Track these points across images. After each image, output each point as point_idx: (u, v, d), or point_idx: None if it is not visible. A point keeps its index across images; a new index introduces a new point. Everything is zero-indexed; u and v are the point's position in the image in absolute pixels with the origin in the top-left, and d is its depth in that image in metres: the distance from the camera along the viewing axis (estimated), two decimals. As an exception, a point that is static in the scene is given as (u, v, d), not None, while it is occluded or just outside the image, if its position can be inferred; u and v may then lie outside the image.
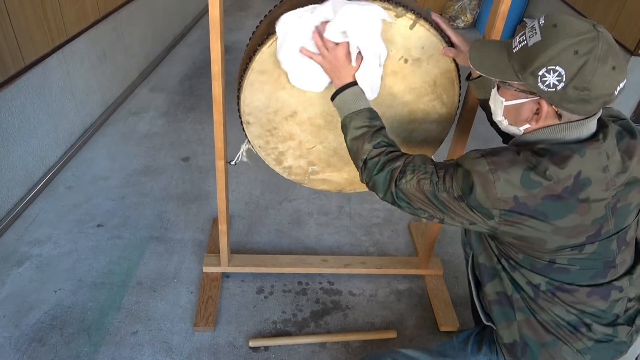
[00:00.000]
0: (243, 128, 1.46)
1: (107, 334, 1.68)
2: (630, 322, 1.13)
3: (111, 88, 2.90)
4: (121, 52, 2.98)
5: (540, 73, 0.94)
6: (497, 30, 1.34)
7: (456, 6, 4.86)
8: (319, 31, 1.20)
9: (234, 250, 2.05)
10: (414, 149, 1.51)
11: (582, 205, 0.98)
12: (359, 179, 1.53)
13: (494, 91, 1.11)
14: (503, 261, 1.14)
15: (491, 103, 1.13)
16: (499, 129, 1.20)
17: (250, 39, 1.47)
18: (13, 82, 1.99)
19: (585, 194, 0.97)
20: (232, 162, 1.60)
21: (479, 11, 4.90)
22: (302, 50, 1.24)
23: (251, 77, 1.33)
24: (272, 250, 2.10)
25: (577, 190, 0.96)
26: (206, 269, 1.91)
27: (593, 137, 1.01)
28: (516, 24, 4.65)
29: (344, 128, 1.23)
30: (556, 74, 0.92)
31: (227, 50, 1.77)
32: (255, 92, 1.36)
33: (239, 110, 1.42)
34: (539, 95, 0.98)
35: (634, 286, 1.13)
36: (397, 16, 1.23)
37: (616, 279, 1.09)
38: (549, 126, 1.01)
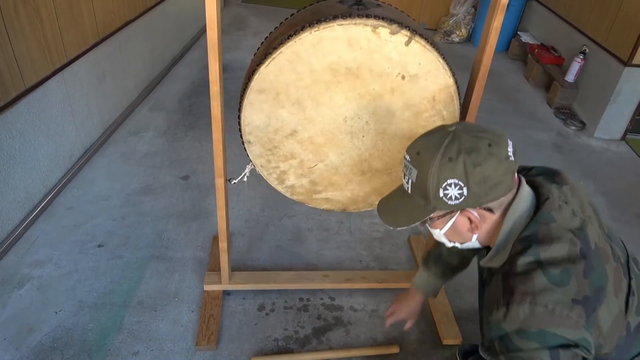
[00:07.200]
0: (245, 147, 1.48)
1: (108, 355, 1.67)
2: None
3: (111, 108, 2.93)
4: (121, 72, 3.01)
5: (441, 195, 0.97)
6: (491, 45, 1.36)
7: (451, 21, 4.93)
8: None
9: (235, 267, 2.05)
10: None
11: (599, 253, 0.99)
12: (361, 197, 1.53)
13: (429, 230, 1.12)
14: None
15: (436, 239, 1.15)
16: None
17: (251, 61, 1.50)
18: (14, 105, 2.01)
19: (592, 243, 0.98)
20: (233, 182, 1.61)
21: (474, 26, 4.96)
22: None
23: (250, 96, 1.35)
24: (273, 267, 2.10)
25: (587, 247, 0.97)
26: (207, 287, 1.90)
27: (541, 198, 1.02)
28: (510, 38, 4.71)
29: None
30: (452, 186, 0.95)
31: (225, 68, 1.80)
32: (255, 111, 1.38)
33: (240, 130, 1.44)
34: (458, 209, 1.00)
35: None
36: (392, 33, 1.26)
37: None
38: (496, 227, 1.02)
